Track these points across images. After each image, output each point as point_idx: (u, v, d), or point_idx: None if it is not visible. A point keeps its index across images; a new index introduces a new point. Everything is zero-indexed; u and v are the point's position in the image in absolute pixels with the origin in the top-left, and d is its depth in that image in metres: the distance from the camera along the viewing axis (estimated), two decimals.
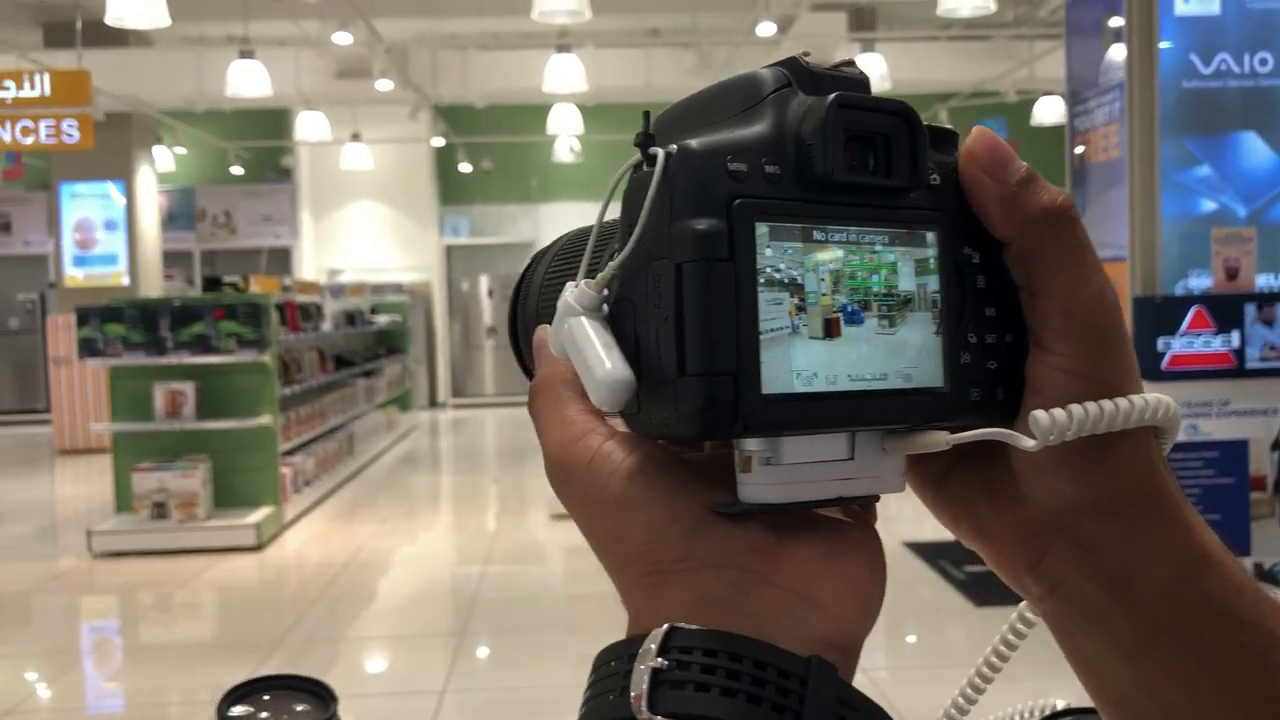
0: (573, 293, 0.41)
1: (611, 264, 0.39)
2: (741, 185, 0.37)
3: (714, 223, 0.37)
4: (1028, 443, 0.40)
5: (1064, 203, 0.42)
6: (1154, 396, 0.41)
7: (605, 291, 0.40)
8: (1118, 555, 0.42)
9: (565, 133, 13.12)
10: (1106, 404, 0.40)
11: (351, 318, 11.18)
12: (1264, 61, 5.15)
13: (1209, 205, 5.16)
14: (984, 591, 5.36)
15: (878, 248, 0.40)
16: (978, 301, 0.42)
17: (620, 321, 0.40)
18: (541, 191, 16.94)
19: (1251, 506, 5.30)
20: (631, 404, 0.39)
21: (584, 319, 0.40)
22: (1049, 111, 12.47)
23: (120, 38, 11.40)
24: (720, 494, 0.40)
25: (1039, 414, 0.40)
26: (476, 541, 7.39)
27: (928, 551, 6.09)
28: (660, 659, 0.36)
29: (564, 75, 9.90)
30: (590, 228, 0.49)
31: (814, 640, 0.38)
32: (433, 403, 16.54)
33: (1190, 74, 5.11)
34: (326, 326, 9.81)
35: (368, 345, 12.23)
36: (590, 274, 0.42)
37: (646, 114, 0.41)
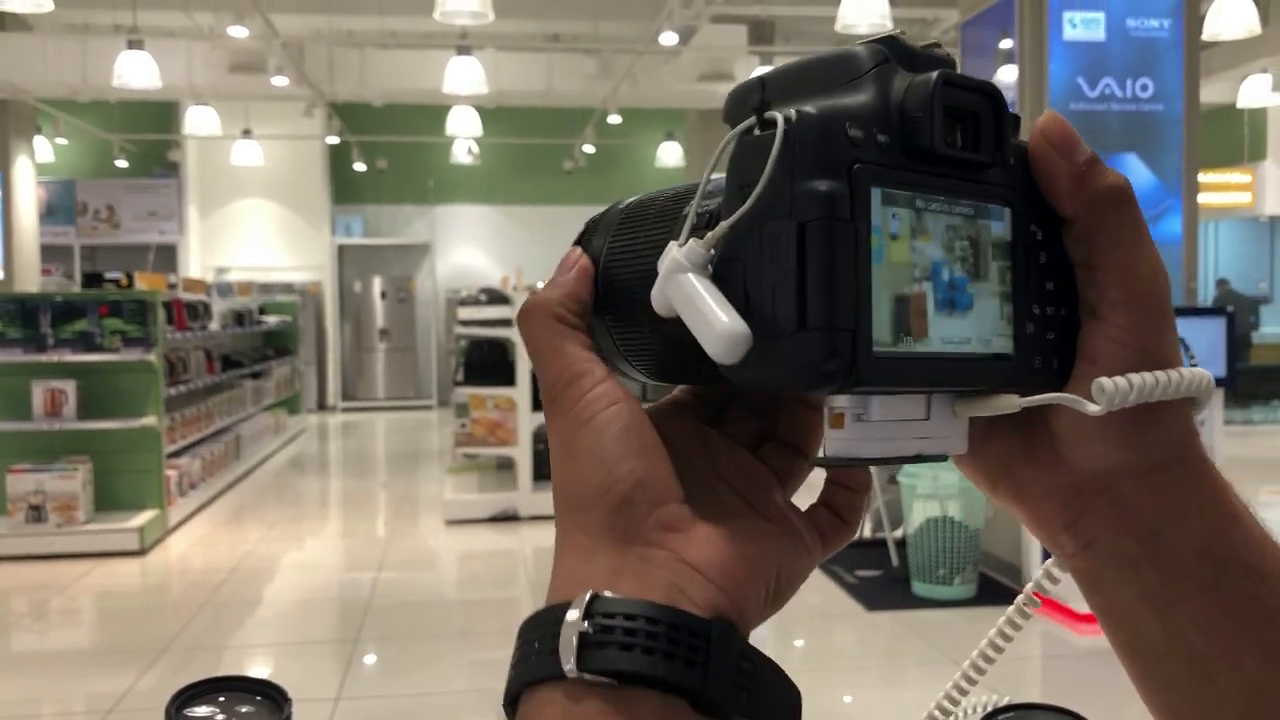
0: (681, 251, 0.41)
1: (723, 223, 0.40)
2: (859, 151, 0.39)
3: (836, 184, 0.38)
4: (1092, 408, 0.42)
5: (1126, 184, 0.45)
6: (1197, 370, 0.45)
7: (711, 251, 0.41)
8: (1153, 513, 0.46)
9: (464, 134, 13.02)
10: (1160, 375, 0.43)
11: (240, 317, 10.91)
12: (1145, 87, 5.38)
13: None
14: (874, 596, 5.47)
15: (966, 219, 0.42)
16: (1040, 276, 0.45)
17: (728, 279, 0.40)
18: (439, 193, 16.77)
19: None
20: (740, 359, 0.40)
21: (693, 275, 0.41)
22: None
23: None
24: (650, 460, 0.42)
25: (1104, 381, 0.42)
26: (369, 547, 7.28)
27: None
28: (585, 623, 0.39)
29: (464, 77, 9.82)
30: (637, 201, 0.50)
31: (712, 609, 0.41)
32: (322, 406, 16.25)
33: (1077, 96, 5.31)
34: (214, 326, 9.57)
35: (256, 346, 11.95)
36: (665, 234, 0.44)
37: (762, 80, 0.42)
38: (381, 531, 7.85)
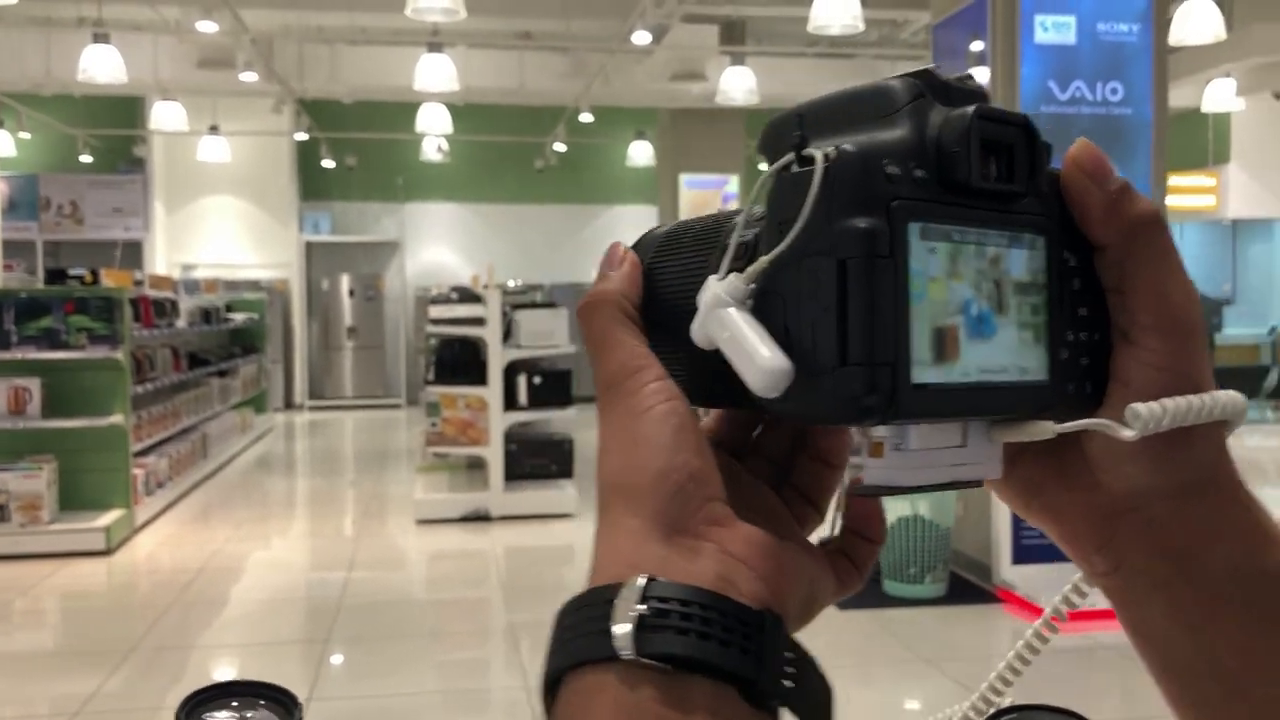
0: (721, 285, 0.42)
1: (763, 258, 0.41)
2: (897, 187, 0.40)
3: (875, 222, 0.39)
4: (1127, 433, 0.43)
5: (1158, 211, 0.46)
6: (1230, 393, 0.45)
7: (751, 285, 0.41)
8: (1185, 534, 0.46)
9: (434, 132, 12.96)
10: (1194, 399, 0.44)
11: (207, 315, 10.83)
12: (1114, 91, 5.42)
13: None
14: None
15: (1002, 249, 0.43)
16: (1073, 302, 0.46)
17: (767, 313, 0.41)
18: (408, 190, 16.69)
19: None
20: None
21: (735, 310, 0.41)
22: None
23: None
24: (704, 459, 0.43)
25: (1138, 407, 0.43)
26: (339, 547, 7.23)
27: None
28: (641, 605, 0.39)
29: (435, 74, 9.78)
30: (674, 226, 0.51)
31: (759, 601, 0.41)
32: (289, 404, 16.13)
33: (1048, 99, 5.35)
34: (181, 323, 9.48)
35: (223, 344, 11.86)
36: (702, 267, 0.45)
37: (800, 115, 0.43)
38: (352, 531, 7.80)
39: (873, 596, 5.48)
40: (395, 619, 5.53)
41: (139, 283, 8.86)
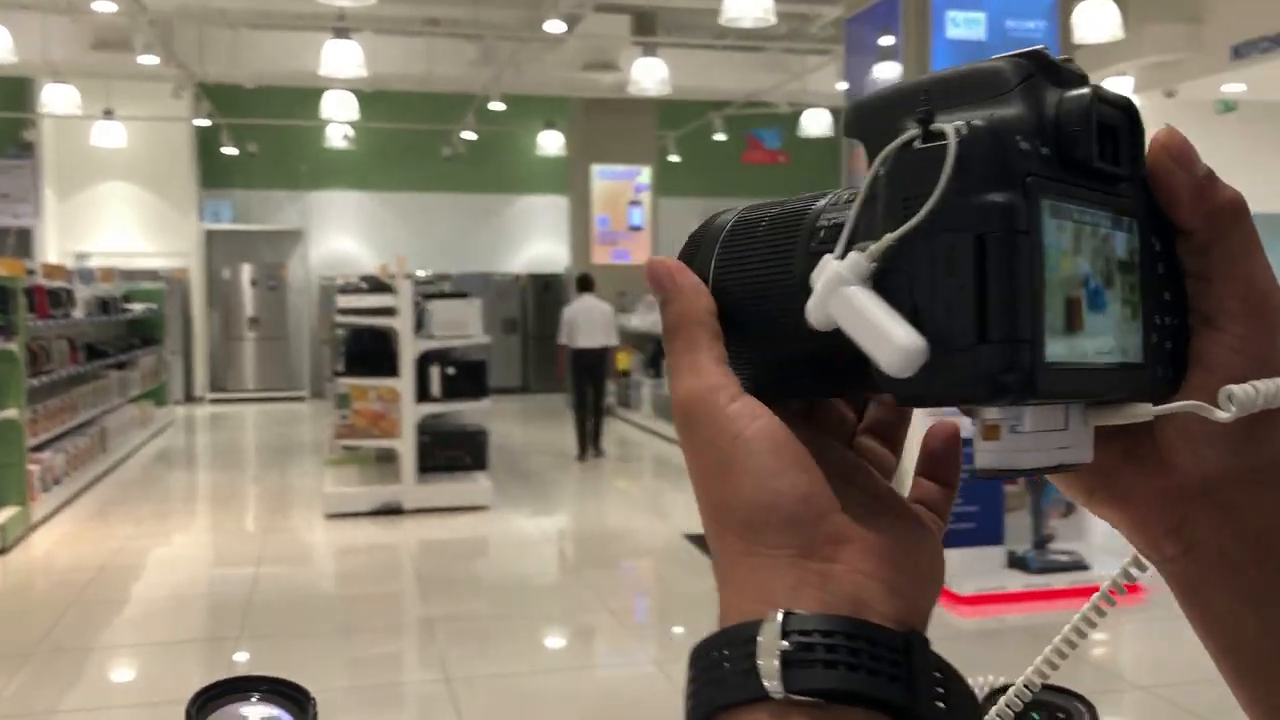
0: (843, 264, 0.41)
1: (889, 236, 0.40)
2: (1029, 163, 0.39)
3: (1013, 196, 0.39)
4: (1222, 415, 0.43)
5: (1242, 198, 0.46)
6: None
7: (873, 264, 0.41)
8: (1261, 516, 0.47)
9: (339, 119, 12.74)
10: None
11: (104, 305, 10.50)
12: None
13: None
14: None
15: (1109, 230, 0.43)
16: (1159, 287, 0.46)
17: (891, 292, 0.40)
18: (312, 178, 16.39)
19: (1005, 499, 5.73)
20: None
21: (861, 289, 0.40)
22: (816, 123, 13.07)
23: None
24: (808, 473, 0.42)
25: (1234, 389, 0.43)
26: (246, 543, 7.08)
27: (704, 543, 6.24)
28: (784, 641, 0.39)
29: (341, 60, 9.60)
30: (740, 217, 0.50)
31: (897, 620, 0.41)
32: (189, 397, 15.75)
33: None
34: (78, 314, 9.19)
35: (121, 335, 11.53)
36: (779, 251, 0.45)
37: (927, 92, 0.42)
38: (259, 526, 7.64)
39: None
40: (305, 615, 5.43)
41: (31, 272, 8.55)
